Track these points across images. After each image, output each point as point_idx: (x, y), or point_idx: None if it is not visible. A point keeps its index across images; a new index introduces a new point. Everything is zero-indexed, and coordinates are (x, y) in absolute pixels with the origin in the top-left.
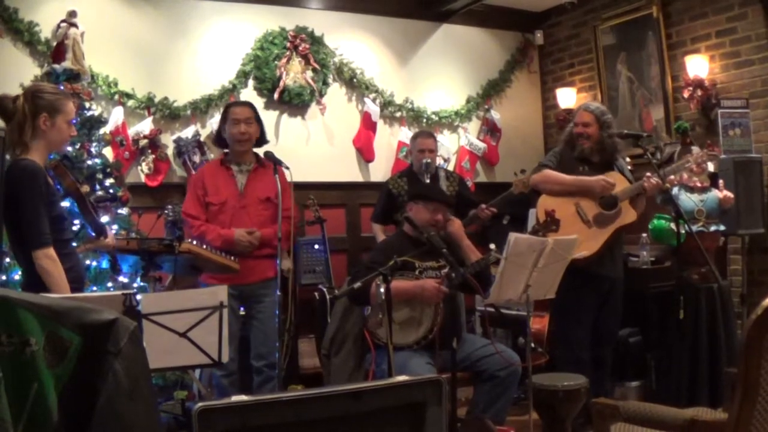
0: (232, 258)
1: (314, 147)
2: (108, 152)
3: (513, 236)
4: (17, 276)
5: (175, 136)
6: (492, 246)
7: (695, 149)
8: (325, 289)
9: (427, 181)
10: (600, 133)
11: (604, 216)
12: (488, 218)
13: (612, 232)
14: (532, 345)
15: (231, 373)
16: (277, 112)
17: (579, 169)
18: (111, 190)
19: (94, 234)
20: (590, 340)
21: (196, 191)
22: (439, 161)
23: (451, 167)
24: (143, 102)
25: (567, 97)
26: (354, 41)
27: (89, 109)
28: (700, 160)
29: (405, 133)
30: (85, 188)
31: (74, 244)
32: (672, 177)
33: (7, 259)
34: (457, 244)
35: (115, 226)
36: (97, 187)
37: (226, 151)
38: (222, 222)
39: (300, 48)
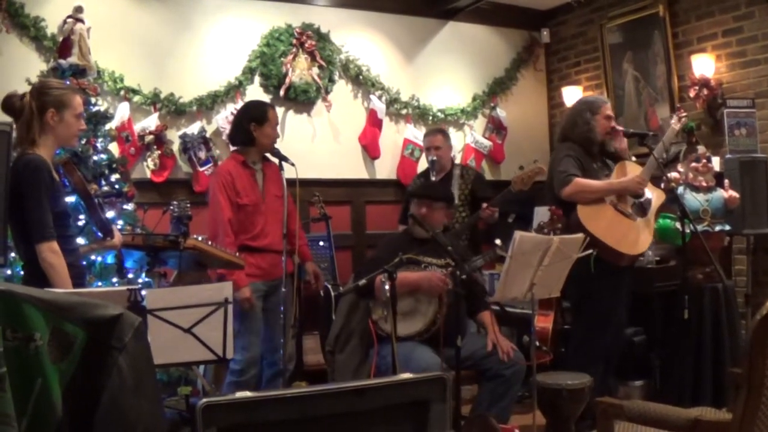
0: (237, 254)
1: (320, 144)
2: (114, 148)
3: (518, 234)
4: (23, 272)
5: (180, 132)
6: (497, 242)
7: (701, 148)
8: (329, 286)
9: (433, 178)
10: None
11: (639, 205)
12: (490, 217)
13: (654, 214)
14: (537, 344)
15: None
16: (282, 109)
17: (594, 167)
18: (116, 186)
19: (100, 234)
20: None
21: (228, 193)
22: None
23: None
24: (149, 98)
25: (573, 96)
26: (360, 38)
27: (95, 104)
28: (678, 127)
29: (411, 131)
30: (94, 187)
31: (78, 240)
32: (677, 175)
33: (12, 254)
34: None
35: (120, 222)
36: (103, 182)
37: (236, 149)
38: (255, 223)
39: (306, 45)
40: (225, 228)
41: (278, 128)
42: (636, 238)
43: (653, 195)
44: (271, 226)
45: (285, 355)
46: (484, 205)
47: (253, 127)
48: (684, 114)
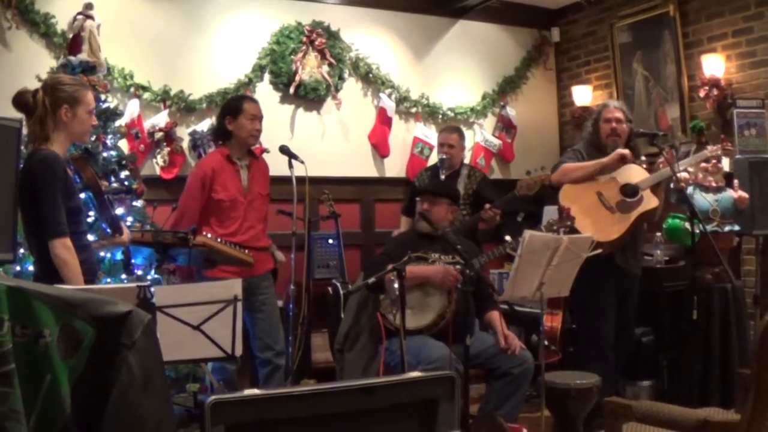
0: (246, 251)
1: (329, 142)
2: (123, 145)
3: (528, 233)
4: (32, 267)
5: (190, 129)
6: (507, 238)
7: (710, 148)
8: (338, 284)
9: (442, 176)
10: (629, 129)
11: (626, 203)
12: (492, 219)
13: (636, 217)
14: (545, 343)
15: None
16: (292, 107)
17: None
18: (126, 183)
19: (109, 230)
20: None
21: (204, 186)
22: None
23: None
24: (159, 95)
25: (583, 95)
26: (370, 36)
27: (105, 101)
28: (715, 155)
29: (420, 129)
30: (105, 184)
31: (89, 236)
32: (686, 175)
33: (21, 250)
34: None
35: (129, 218)
36: (112, 179)
37: (222, 143)
38: (234, 218)
39: (316, 42)
40: (190, 216)
41: (286, 126)
42: (603, 228)
43: (646, 199)
44: (252, 223)
45: (293, 352)
46: (487, 205)
47: (228, 121)
48: (729, 147)
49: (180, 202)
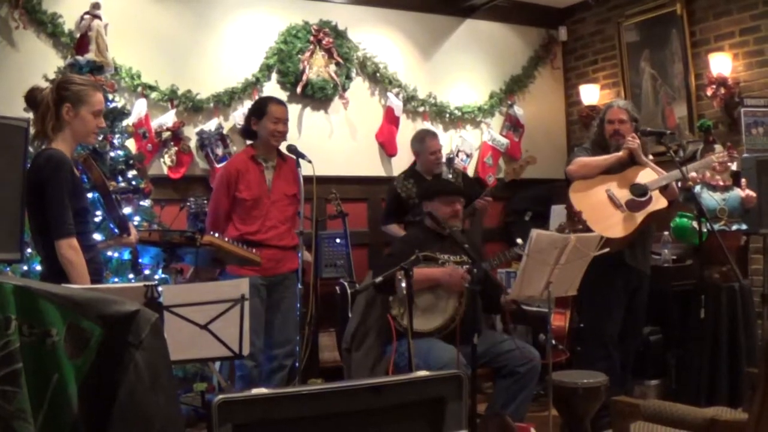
0: (254, 251)
1: (337, 141)
2: (131, 144)
3: (535, 232)
4: (39, 267)
5: (198, 129)
6: (519, 241)
7: (718, 147)
8: (346, 284)
9: (450, 176)
10: (634, 129)
11: (635, 202)
12: (485, 208)
13: (645, 216)
14: (553, 342)
15: (257, 365)
16: (299, 106)
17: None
18: (133, 182)
19: (116, 230)
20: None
21: (229, 187)
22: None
23: (473, 163)
24: (166, 94)
25: (590, 94)
26: (377, 36)
27: (112, 101)
28: (722, 161)
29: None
30: (112, 183)
31: (95, 236)
32: (694, 174)
33: (29, 250)
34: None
35: (137, 218)
36: (120, 178)
37: (250, 143)
38: (255, 218)
39: (323, 42)
40: (222, 216)
41: (294, 125)
42: (612, 224)
43: (655, 200)
44: (274, 222)
45: (301, 351)
46: (486, 198)
47: (253, 122)
48: (736, 155)
49: (210, 204)
